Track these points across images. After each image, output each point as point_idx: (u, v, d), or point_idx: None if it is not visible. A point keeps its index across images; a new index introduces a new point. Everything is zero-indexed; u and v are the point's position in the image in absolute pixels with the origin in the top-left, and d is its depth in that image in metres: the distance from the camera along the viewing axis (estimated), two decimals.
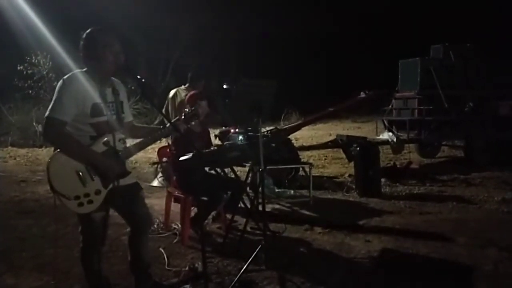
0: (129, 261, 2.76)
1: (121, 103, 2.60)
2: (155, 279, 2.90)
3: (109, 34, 2.50)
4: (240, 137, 5.26)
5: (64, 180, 2.34)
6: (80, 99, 2.36)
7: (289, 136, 7.07)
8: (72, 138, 2.37)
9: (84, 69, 2.47)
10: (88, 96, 2.39)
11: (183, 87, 5.42)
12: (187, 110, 2.79)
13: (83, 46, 2.46)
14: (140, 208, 2.64)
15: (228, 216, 4.22)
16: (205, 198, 3.86)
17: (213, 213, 4.37)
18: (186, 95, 5.28)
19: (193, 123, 2.84)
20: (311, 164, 5.80)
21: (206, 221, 4.31)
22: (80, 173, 2.36)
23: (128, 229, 2.73)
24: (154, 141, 2.78)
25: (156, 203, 5.20)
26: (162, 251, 3.63)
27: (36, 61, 12.66)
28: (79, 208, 2.38)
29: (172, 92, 5.43)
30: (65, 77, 2.40)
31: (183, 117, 2.75)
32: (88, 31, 2.47)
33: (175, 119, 2.86)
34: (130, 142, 2.68)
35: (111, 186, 2.46)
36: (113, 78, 2.59)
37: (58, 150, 2.37)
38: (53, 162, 2.34)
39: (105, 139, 2.45)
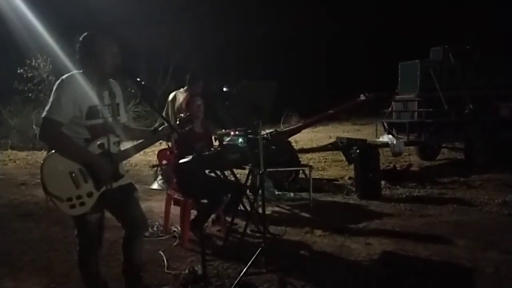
0: (122, 263, 2.74)
1: (117, 106, 2.59)
2: (146, 284, 2.88)
3: (106, 36, 2.50)
4: (240, 140, 5.26)
5: (57, 182, 2.33)
6: (78, 101, 2.36)
7: (289, 139, 7.07)
8: (68, 139, 2.36)
9: (81, 71, 2.46)
10: (86, 98, 2.39)
11: (181, 90, 5.43)
12: (182, 115, 2.79)
13: (80, 48, 2.45)
14: (133, 209, 2.62)
15: (228, 218, 4.21)
16: (205, 201, 3.86)
17: (213, 215, 4.36)
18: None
19: (187, 128, 2.85)
20: (311, 167, 5.80)
21: (206, 223, 4.30)
22: (73, 175, 2.36)
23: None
24: (151, 144, 2.78)
25: (155, 205, 5.19)
26: (162, 254, 3.62)
27: (36, 64, 12.66)
28: (71, 210, 2.37)
29: (171, 95, 5.44)
30: (64, 76, 2.39)
31: (178, 122, 2.75)
32: (85, 33, 2.47)
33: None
34: (127, 144, 2.67)
35: (103, 188, 2.45)
36: (110, 79, 2.59)
37: (53, 151, 2.37)
38: (47, 164, 2.34)
39: (100, 141, 2.45)
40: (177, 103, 5.29)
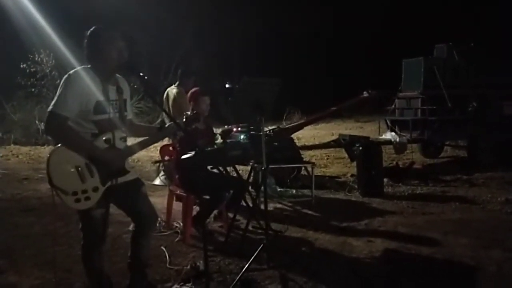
0: (128, 257, 2.75)
1: (124, 102, 2.59)
2: (150, 280, 2.88)
3: (112, 31, 2.51)
4: (243, 136, 5.25)
5: (63, 175, 2.34)
6: (85, 96, 2.37)
7: (292, 135, 7.05)
8: (74, 132, 2.38)
9: (88, 66, 2.47)
10: (92, 93, 2.39)
11: (172, 86, 5.47)
12: (188, 113, 2.77)
13: (87, 43, 2.47)
14: (142, 204, 2.63)
15: (230, 215, 4.22)
16: (207, 197, 3.86)
17: (215, 211, 4.36)
18: (176, 93, 5.32)
19: (193, 126, 2.83)
20: (313, 164, 5.78)
21: (208, 219, 4.31)
22: (80, 169, 2.36)
23: (131, 227, 2.72)
24: (156, 141, 2.79)
25: (158, 201, 5.18)
26: (164, 249, 3.62)
27: (39, 59, 12.69)
28: (76, 204, 2.37)
29: (165, 94, 5.49)
30: (72, 71, 2.40)
31: (184, 119, 2.74)
32: (92, 28, 2.48)
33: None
34: (132, 141, 2.67)
35: (109, 183, 2.45)
36: (117, 75, 2.59)
37: (60, 144, 2.38)
38: (53, 157, 2.34)
39: (106, 136, 2.45)
40: (170, 100, 5.32)
